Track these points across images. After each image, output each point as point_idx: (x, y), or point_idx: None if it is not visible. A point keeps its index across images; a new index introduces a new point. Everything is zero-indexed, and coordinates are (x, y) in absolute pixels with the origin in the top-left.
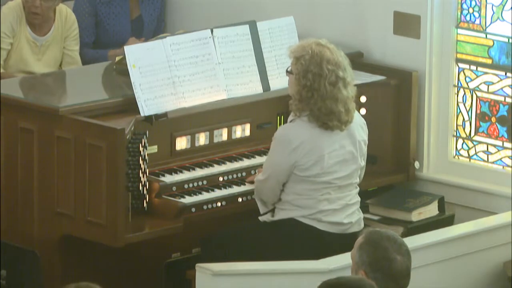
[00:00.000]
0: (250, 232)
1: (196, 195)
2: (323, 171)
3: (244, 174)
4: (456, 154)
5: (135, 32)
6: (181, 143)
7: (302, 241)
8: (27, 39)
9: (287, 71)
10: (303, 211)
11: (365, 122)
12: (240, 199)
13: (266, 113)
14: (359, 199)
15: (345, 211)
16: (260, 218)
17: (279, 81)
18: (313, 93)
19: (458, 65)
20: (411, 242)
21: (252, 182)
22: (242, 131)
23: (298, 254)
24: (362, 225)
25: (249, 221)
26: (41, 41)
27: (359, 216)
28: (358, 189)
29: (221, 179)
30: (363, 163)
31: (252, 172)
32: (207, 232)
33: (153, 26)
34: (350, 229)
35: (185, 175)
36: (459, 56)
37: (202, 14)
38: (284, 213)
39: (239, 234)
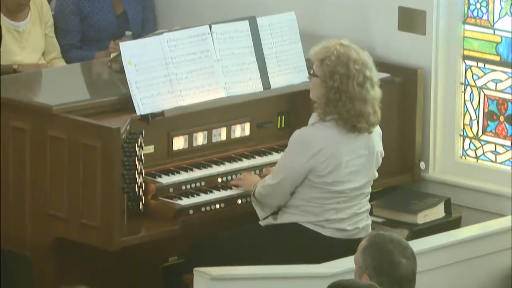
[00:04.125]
0: (248, 236)
1: (193, 196)
2: (338, 180)
3: None
4: (463, 154)
5: (121, 28)
6: (179, 143)
7: (305, 245)
8: (7, 28)
9: (310, 74)
10: (308, 217)
11: (381, 132)
12: (239, 201)
13: (266, 112)
14: (369, 206)
15: (352, 219)
16: (261, 222)
17: (280, 79)
18: (341, 95)
19: (465, 62)
20: (417, 245)
21: (236, 186)
22: (241, 130)
23: (301, 260)
24: (370, 231)
25: (248, 223)
26: (22, 26)
27: (366, 222)
28: (368, 197)
29: (219, 180)
30: (377, 174)
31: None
32: (206, 235)
33: (139, 20)
34: (357, 235)
35: (183, 176)
36: (466, 52)
37: (200, 10)
38: (288, 217)
39: (237, 238)
